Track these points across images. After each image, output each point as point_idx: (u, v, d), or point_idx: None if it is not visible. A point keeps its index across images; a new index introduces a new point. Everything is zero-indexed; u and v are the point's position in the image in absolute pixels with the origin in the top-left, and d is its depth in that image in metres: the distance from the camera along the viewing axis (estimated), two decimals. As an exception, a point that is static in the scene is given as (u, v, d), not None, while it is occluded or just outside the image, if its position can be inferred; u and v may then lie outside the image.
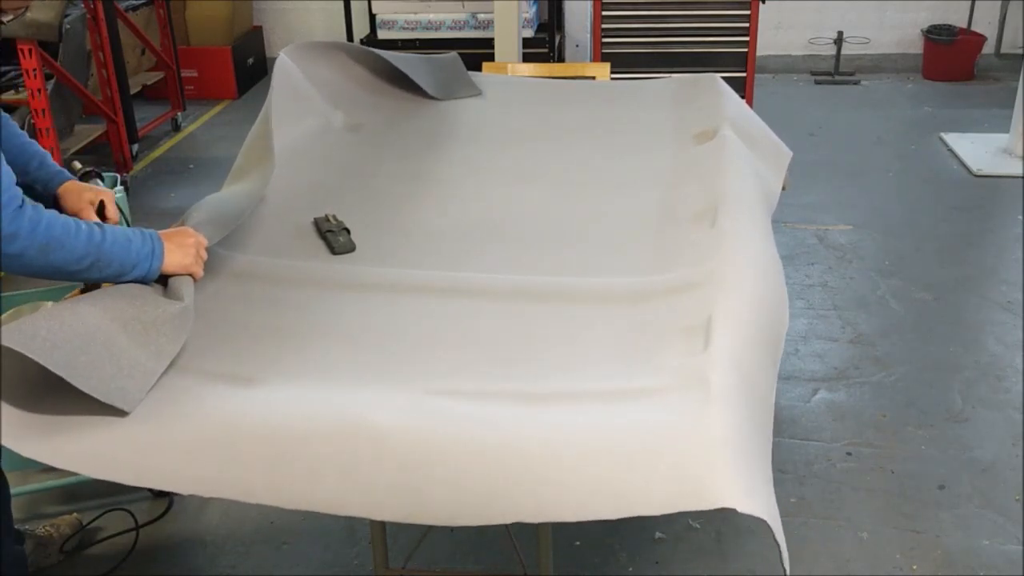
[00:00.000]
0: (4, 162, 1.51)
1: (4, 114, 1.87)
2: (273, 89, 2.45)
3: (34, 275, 1.59)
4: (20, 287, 2.37)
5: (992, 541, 2.49)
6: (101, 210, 1.93)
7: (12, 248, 1.49)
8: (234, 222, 1.99)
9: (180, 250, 1.74)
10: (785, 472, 2.75)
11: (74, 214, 1.92)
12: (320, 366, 1.68)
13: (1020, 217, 4.34)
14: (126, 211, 2.36)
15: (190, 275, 1.77)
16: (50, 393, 1.50)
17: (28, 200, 1.53)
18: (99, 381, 1.48)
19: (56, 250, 1.54)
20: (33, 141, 1.92)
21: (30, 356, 1.43)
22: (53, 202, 1.91)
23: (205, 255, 1.81)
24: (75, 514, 2.55)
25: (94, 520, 2.59)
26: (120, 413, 1.49)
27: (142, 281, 1.70)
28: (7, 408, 1.48)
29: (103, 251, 1.61)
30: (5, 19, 1.68)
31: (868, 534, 2.52)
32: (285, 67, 2.61)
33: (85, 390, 1.45)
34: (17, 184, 1.87)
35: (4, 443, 1.46)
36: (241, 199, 2.10)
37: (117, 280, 1.67)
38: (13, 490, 2.12)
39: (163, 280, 1.74)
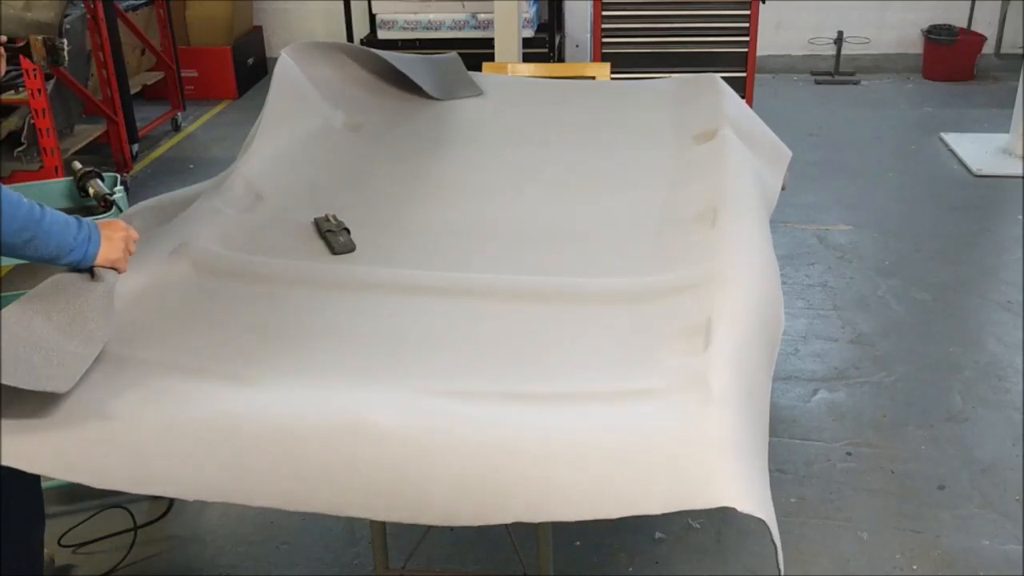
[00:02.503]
0: None
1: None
2: (271, 88, 2.45)
3: None
4: (19, 287, 2.37)
5: (992, 541, 2.49)
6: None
7: None
8: (175, 212, 1.99)
9: (108, 243, 1.75)
10: (785, 472, 2.75)
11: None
12: (320, 366, 1.68)
13: (1020, 217, 4.34)
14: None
15: (115, 269, 1.78)
16: (38, 399, 1.49)
17: None
18: (27, 372, 1.47)
19: None
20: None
21: None
22: None
23: (133, 248, 1.82)
24: (47, 551, 2.40)
25: (89, 518, 2.59)
26: (53, 397, 1.49)
27: (77, 266, 1.71)
28: (5, 425, 1.47)
29: (42, 228, 1.62)
30: None
31: (868, 534, 2.52)
32: (286, 66, 2.61)
33: (13, 383, 1.44)
34: None
35: (6, 463, 1.44)
36: (193, 191, 2.11)
37: (54, 261, 1.68)
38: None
39: (88, 272, 1.75)
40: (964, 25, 6.47)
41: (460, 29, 5.82)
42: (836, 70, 6.57)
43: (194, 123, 5.93)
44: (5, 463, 1.45)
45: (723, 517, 2.55)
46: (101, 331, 1.63)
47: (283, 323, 1.82)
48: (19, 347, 1.51)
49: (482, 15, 5.74)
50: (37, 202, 1.65)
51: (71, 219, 1.70)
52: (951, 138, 5.25)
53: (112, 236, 1.76)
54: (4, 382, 1.44)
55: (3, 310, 1.59)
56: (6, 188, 1.58)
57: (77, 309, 1.64)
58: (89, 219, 1.75)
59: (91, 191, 2.36)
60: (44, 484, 2.57)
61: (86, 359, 1.57)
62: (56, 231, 1.65)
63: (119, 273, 1.79)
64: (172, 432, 1.49)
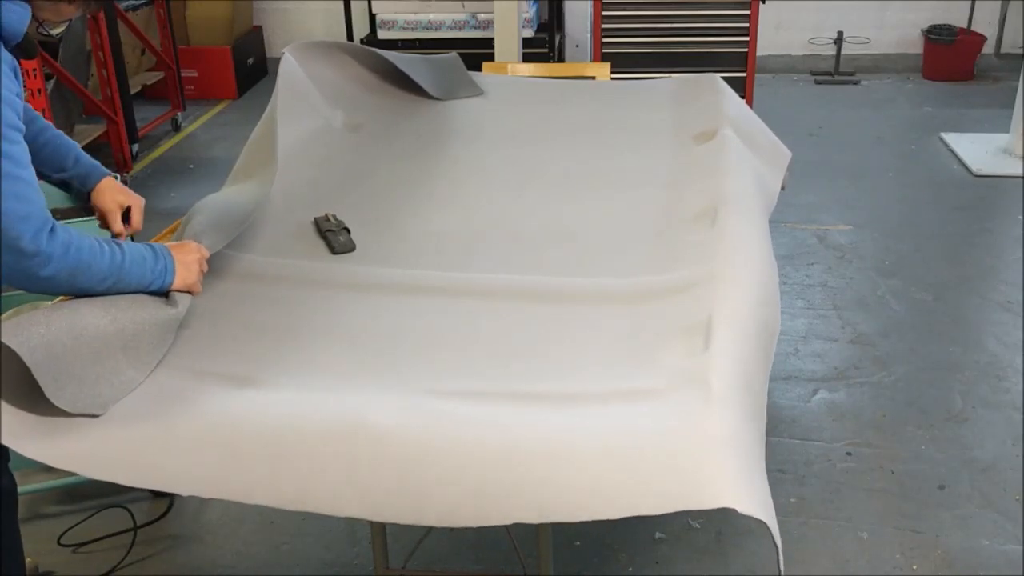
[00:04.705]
0: (37, 187, 1.52)
1: (39, 115, 1.87)
2: (278, 89, 2.45)
3: (55, 294, 1.60)
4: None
5: (992, 541, 2.49)
6: (126, 214, 1.95)
7: (46, 271, 1.51)
8: (237, 228, 1.99)
9: (184, 268, 1.74)
10: (785, 472, 2.75)
11: (102, 215, 1.93)
12: (320, 366, 1.68)
13: (1020, 217, 4.34)
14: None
15: (189, 292, 1.78)
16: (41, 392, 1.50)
17: (56, 222, 1.54)
18: (78, 385, 1.48)
19: (83, 272, 1.56)
20: (62, 133, 1.93)
21: (18, 354, 1.43)
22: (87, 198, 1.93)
23: (206, 267, 1.82)
24: (30, 558, 2.41)
25: (89, 518, 2.59)
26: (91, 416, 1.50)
27: (156, 294, 1.71)
28: (8, 408, 1.48)
29: (123, 272, 1.62)
30: (54, 31, 1.69)
31: (868, 534, 2.52)
32: (289, 66, 2.60)
33: (58, 404, 1.46)
34: (55, 181, 1.89)
35: (5, 442, 1.46)
36: (243, 203, 2.09)
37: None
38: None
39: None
40: (964, 25, 6.47)
41: (460, 29, 5.82)
42: (836, 70, 6.57)
43: (194, 123, 5.93)
44: (5, 442, 1.46)
45: (723, 517, 2.55)
46: (151, 357, 1.63)
47: (283, 323, 1.82)
48: (86, 354, 1.51)
49: (482, 15, 5.74)
50: (115, 242, 1.64)
51: (147, 252, 1.68)
52: (951, 138, 5.25)
53: (186, 260, 1.76)
54: (54, 400, 1.45)
55: (82, 305, 1.57)
56: (87, 237, 1.58)
57: (144, 323, 1.62)
58: (162, 245, 1.74)
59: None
60: (43, 484, 2.58)
61: (132, 382, 1.57)
62: (135, 271, 1.64)
63: (193, 295, 1.78)
64: (173, 430, 1.49)
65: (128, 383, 1.56)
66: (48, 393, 1.45)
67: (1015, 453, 2.82)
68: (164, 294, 1.73)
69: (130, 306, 1.63)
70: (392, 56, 2.95)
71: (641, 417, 1.47)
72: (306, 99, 2.65)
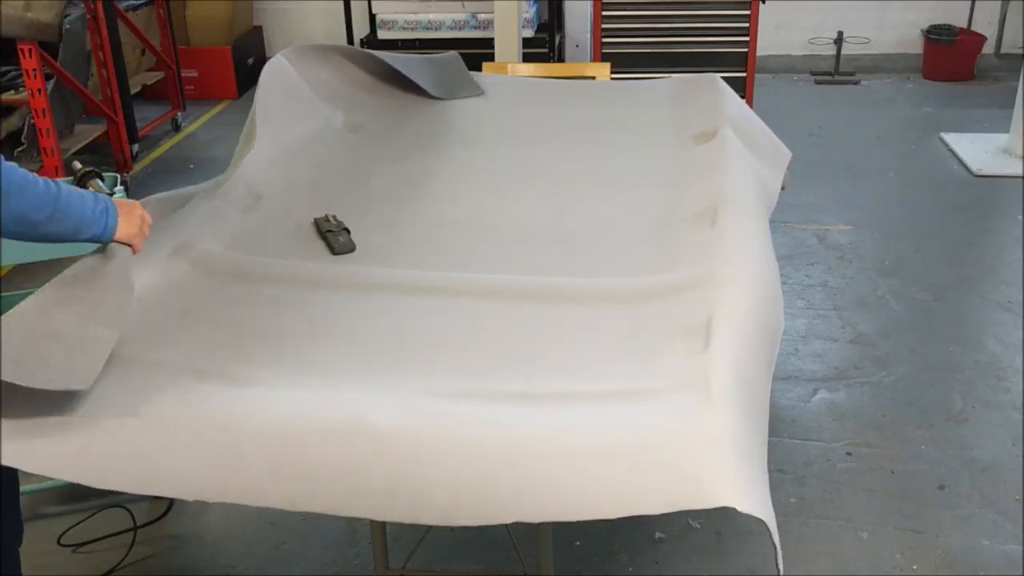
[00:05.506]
0: None
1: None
2: (259, 86, 2.48)
3: None
4: (19, 287, 2.37)
5: (992, 541, 2.49)
6: None
7: None
8: (184, 202, 2.01)
9: (126, 219, 1.76)
10: (785, 472, 2.75)
11: None
12: (320, 366, 1.68)
13: (1020, 217, 4.34)
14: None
15: (130, 245, 1.78)
16: (40, 395, 1.49)
17: None
18: (50, 370, 1.48)
19: (15, 196, 1.55)
20: None
21: None
22: None
23: (147, 232, 1.82)
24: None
25: (89, 517, 2.59)
26: (54, 397, 1.48)
27: (99, 239, 1.72)
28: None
29: (60, 202, 1.63)
30: None
31: (868, 534, 2.52)
32: (278, 66, 2.62)
33: (37, 385, 1.44)
34: None
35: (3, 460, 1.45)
36: (199, 186, 2.13)
37: (76, 236, 1.68)
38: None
39: (102, 248, 1.76)
40: (964, 25, 6.47)
41: (460, 29, 5.82)
42: (836, 70, 6.57)
43: (194, 123, 5.93)
44: (5, 463, 1.45)
45: (723, 517, 2.55)
46: (122, 309, 1.64)
47: (283, 323, 1.82)
48: (39, 342, 1.51)
49: (482, 15, 5.74)
50: (53, 180, 1.65)
51: (86, 192, 1.71)
52: (951, 138, 5.25)
53: (130, 212, 1.78)
54: (29, 384, 1.44)
55: (22, 303, 1.59)
56: (21, 169, 1.59)
57: (99, 291, 1.64)
58: (105, 195, 1.76)
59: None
60: (43, 484, 2.58)
61: (109, 341, 1.57)
62: (75, 204, 1.66)
63: (134, 252, 1.79)
64: (172, 433, 1.49)
65: (103, 342, 1.55)
66: (21, 381, 1.43)
67: (1015, 453, 2.82)
68: (101, 249, 1.74)
69: (72, 288, 1.64)
70: (391, 58, 2.96)
71: (641, 417, 1.47)
72: (298, 99, 2.66)
